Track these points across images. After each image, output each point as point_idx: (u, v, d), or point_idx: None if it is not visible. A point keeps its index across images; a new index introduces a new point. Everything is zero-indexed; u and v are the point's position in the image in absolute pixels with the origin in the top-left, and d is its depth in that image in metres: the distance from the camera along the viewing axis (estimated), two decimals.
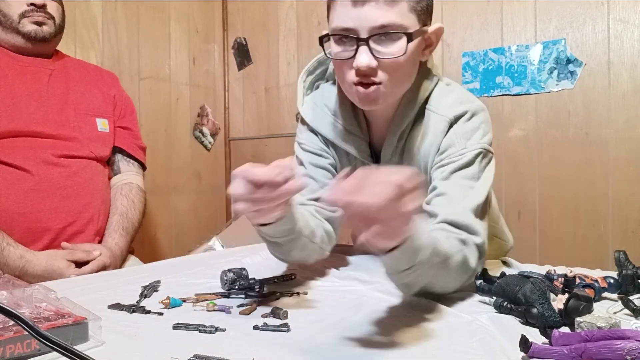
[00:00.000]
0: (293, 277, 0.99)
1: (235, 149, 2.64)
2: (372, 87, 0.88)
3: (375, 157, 1.04)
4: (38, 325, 0.43)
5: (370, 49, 0.85)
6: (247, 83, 2.59)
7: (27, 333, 0.43)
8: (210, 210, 2.56)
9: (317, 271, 1.03)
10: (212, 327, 0.67)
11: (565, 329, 0.65)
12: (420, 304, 0.78)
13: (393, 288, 0.78)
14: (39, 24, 1.40)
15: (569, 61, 1.70)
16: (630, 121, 1.61)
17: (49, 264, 1.24)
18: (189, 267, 1.14)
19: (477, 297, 0.82)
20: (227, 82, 2.64)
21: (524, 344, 0.56)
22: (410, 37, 0.86)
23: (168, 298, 0.80)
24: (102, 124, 1.51)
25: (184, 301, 0.82)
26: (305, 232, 0.87)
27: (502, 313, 0.73)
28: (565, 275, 0.82)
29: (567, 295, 0.69)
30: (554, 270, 0.94)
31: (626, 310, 0.74)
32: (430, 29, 0.92)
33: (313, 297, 0.85)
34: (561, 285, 0.81)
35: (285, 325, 0.68)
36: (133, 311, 0.77)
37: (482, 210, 0.88)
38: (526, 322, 0.69)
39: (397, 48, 0.85)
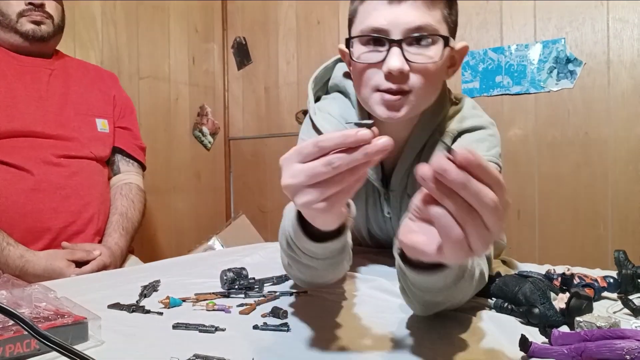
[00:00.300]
0: None
1: (235, 148, 2.64)
2: (402, 94, 0.80)
3: (384, 181, 0.98)
4: (38, 325, 0.43)
5: (403, 52, 0.78)
6: (247, 82, 2.59)
7: (26, 333, 0.43)
8: (210, 210, 2.56)
9: None
10: (212, 326, 0.67)
11: (564, 329, 0.65)
12: None
13: (391, 286, 0.78)
14: (37, 23, 1.40)
15: (568, 60, 1.70)
16: (629, 120, 1.61)
17: (49, 263, 1.24)
18: (189, 267, 1.14)
19: (476, 297, 0.82)
20: (226, 81, 2.64)
21: (524, 343, 0.56)
22: (447, 42, 0.80)
23: (168, 298, 0.80)
24: (102, 124, 1.51)
25: (184, 301, 0.82)
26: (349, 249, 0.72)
27: (502, 314, 0.73)
28: (563, 274, 0.82)
29: (567, 294, 0.69)
30: (554, 269, 0.94)
31: (626, 310, 0.74)
32: (457, 46, 0.86)
33: (313, 297, 0.85)
34: (560, 285, 0.81)
35: (285, 325, 0.68)
36: (133, 311, 0.77)
37: None
38: (527, 323, 0.69)
39: (431, 53, 0.79)
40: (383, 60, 0.79)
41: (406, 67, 0.78)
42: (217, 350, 0.59)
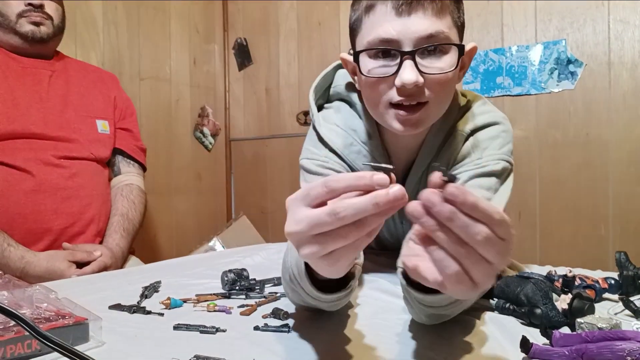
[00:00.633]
0: None
1: (235, 149, 2.65)
2: (419, 108, 0.77)
3: None
4: (39, 326, 0.43)
5: (416, 64, 0.73)
6: (248, 83, 2.59)
7: (27, 333, 0.43)
8: (210, 211, 2.56)
9: None
10: (213, 327, 0.68)
11: (565, 330, 0.65)
12: None
13: (392, 287, 0.78)
14: (37, 24, 1.40)
15: (569, 62, 1.70)
16: (630, 122, 1.61)
17: (50, 264, 1.24)
18: (190, 268, 1.14)
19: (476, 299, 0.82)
20: (227, 82, 2.65)
21: (525, 344, 0.56)
22: (462, 50, 0.77)
23: (169, 298, 0.80)
24: (103, 126, 1.51)
25: (185, 302, 0.82)
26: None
27: (504, 314, 0.73)
28: (564, 276, 0.82)
29: (569, 295, 0.69)
30: (555, 271, 0.94)
31: (627, 311, 0.74)
32: (466, 48, 0.81)
33: None
34: (561, 286, 0.81)
35: (286, 325, 0.68)
36: (134, 312, 0.77)
37: None
38: (529, 323, 0.69)
39: (446, 62, 0.75)
40: (395, 74, 0.75)
41: (421, 80, 0.73)
42: (218, 351, 0.59)
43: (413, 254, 0.46)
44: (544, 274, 0.88)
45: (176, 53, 2.39)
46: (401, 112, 0.77)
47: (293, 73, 2.42)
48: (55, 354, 0.43)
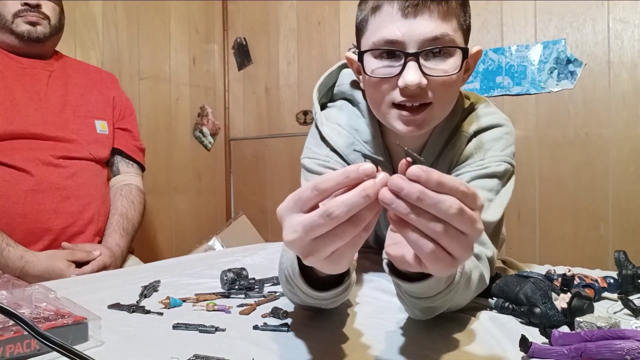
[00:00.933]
0: None
1: (235, 149, 2.65)
2: (422, 109, 0.77)
3: None
4: (38, 325, 0.43)
5: (420, 66, 0.74)
6: (247, 83, 2.59)
7: (27, 333, 0.43)
8: (210, 210, 2.56)
9: None
10: (212, 327, 0.68)
11: (565, 329, 0.65)
12: None
13: (392, 287, 0.78)
14: (33, 24, 1.39)
15: (569, 61, 1.70)
16: (630, 121, 1.61)
17: (49, 264, 1.24)
18: (189, 267, 1.14)
19: (476, 297, 0.82)
20: (227, 82, 2.65)
21: (524, 343, 0.56)
22: (466, 53, 0.77)
23: (168, 298, 0.80)
24: (102, 126, 1.51)
25: (184, 301, 0.82)
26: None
27: (503, 314, 0.73)
28: (564, 275, 0.82)
29: (568, 294, 0.69)
30: (554, 270, 0.94)
31: (626, 310, 0.74)
32: (471, 51, 0.81)
33: None
34: (560, 285, 0.81)
35: (285, 325, 0.68)
36: (133, 311, 0.77)
37: (497, 227, 0.82)
38: (529, 323, 0.69)
39: (450, 65, 0.75)
40: (398, 74, 0.75)
41: (424, 81, 0.74)
42: (217, 351, 0.59)
43: (394, 242, 0.47)
44: (543, 273, 0.88)
45: (176, 53, 2.39)
46: (404, 113, 0.77)
47: (293, 73, 2.42)
48: (55, 354, 0.43)
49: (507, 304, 0.73)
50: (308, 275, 0.59)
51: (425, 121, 0.79)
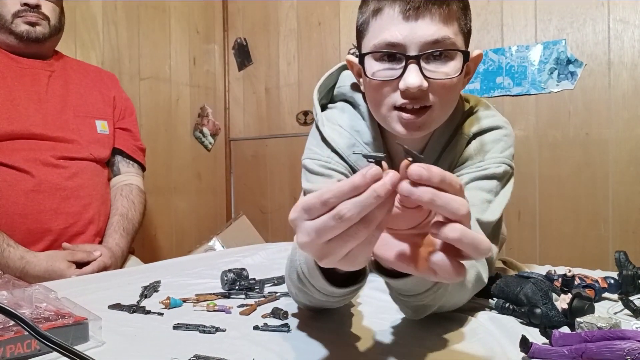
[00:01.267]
0: None
1: (235, 149, 2.65)
2: (422, 112, 0.77)
3: None
4: (38, 326, 0.43)
5: (421, 68, 0.74)
6: (248, 83, 2.59)
7: (27, 333, 0.43)
8: (210, 211, 2.56)
9: None
10: (212, 327, 0.68)
11: (565, 330, 0.65)
12: None
13: None
14: (32, 24, 1.39)
15: (569, 61, 1.70)
16: (630, 121, 1.61)
17: (50, 264, 1.24)
18: (189, 268, 1.14)
19: (476, 298, 0.82)
20: (227, 82, 2.65)
21: (524, 344, 0.56)
22: (467, 57, 0.77)
23: (168, 298, 0.80)
24: (102, 126, 1.51)
25: (184, 301, 0.82)
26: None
27: (503, 314, 0.73)
28: (564, 275, 0.82)
29: (569, 295, 0.69)
30: (554, 270, 0.94)
31: (626, 311, 0.74)
32: (472, 54, 0.82)
33: None
34: (560, 285, 0.81)
35: (285, 325, 0.68)
36: (133, 311, 0.77)
37: (496, 227, 0.82)
38: (529, 323, 0.69)
39: (451, 68, 0.76)
40: (399, 77, 0.75)
41: (425, 84, 0.74)
42: (218, 351, 0.59)
43: (383, 244, 0.47)
44: (544, 273, 0.88)
45: (176, 53, 2.39)
46: (405, 115, 0.78)
47: (293, 73, 2.42)
48: (55, 354, 0.43)
49: (507, 304, 0.73)
50: (324, 271, 0.58)
51: (425, 124, 0.79)
